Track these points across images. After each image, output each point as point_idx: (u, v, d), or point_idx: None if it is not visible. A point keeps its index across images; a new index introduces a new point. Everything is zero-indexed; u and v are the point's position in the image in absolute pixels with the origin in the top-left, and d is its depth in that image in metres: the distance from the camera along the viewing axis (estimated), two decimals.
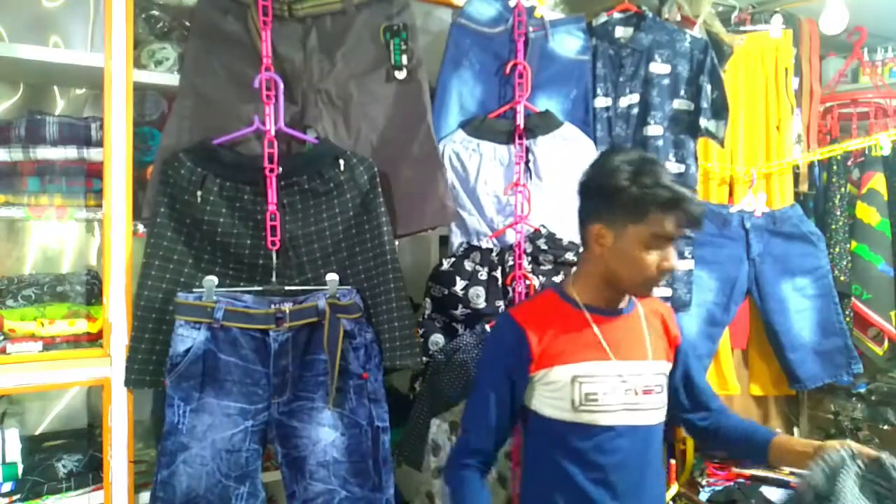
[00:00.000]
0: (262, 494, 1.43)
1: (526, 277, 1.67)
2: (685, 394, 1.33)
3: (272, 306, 1.42)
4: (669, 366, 1.29)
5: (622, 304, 1.27)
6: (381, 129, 1.60)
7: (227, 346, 1.40)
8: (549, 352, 1.21)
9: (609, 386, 1.20)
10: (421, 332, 1.63)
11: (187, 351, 1.37)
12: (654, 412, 1.24)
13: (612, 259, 1.19)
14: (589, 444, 1.19)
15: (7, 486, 1.42)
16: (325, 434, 1.43)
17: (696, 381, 1.34)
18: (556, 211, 1.72)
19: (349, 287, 1.48)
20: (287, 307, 1.42)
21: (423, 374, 1.65)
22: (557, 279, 1.67)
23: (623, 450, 1.20)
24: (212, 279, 1.41)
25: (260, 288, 1.48)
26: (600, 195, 1.19)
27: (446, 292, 1.65)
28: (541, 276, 1.68)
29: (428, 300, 1.68)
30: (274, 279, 1.49)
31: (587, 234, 1.22)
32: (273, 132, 1.48)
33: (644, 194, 1.13)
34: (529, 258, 1.70)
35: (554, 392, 1.21)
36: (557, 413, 1.21)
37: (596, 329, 1.23)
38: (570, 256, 1.68)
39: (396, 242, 1.99)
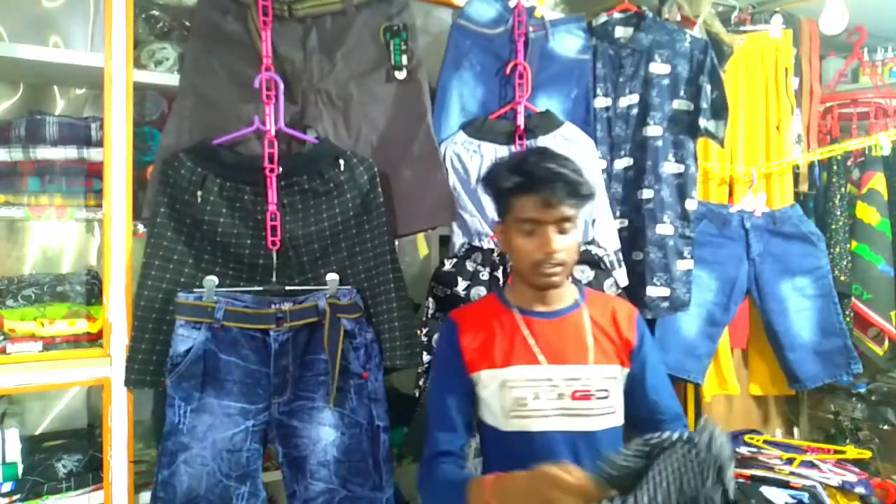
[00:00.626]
0: (262, 494, 1.43)
1: None
2: (634, 403, 1.25)
3: (272, 306, 1.42)
4: (622, 370, 1.24)
5: (560, 305, 1.24)
6: (381, 130, 1.60)
7: (228, 346, 1.40)
8: (481, 355, 1.20)
9: (539, 391, 1.17)
10: (425, 331, 1.63)
11: (188, 351, 1.37)
12: (596, 418, 1.19)
13: (508, 254, 1.23)
14: (526, 452, 1.14)
15: (7, 486, 1.42)
16: (326, 434, 1.43)
17: (647, 394, 1.25)
18: None
19: (349, 287, 1.48)
20: (287, 307, 1.42)
21: (427, 371, 1.65)
22: None
23: (562, 457, 1.14)
24: (212, 279, 1.41)
25: (260, 288, 1.47)
26: (490, 196, 1.24)
27: (448, 292, 1.65)
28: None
29: (431, 300, 1.68)
30: (274, 279, 1.49)
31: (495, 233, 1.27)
32: (273, 132, 1.48)
33: (501, 186, 1.17)
34: None
35: (487, 397, 1.20)
36: (493, 420, 1.20)
37: (527, 332, 1.21)
38: None
39: (396, 242, 1.99)
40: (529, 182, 1.14)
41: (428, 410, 1.25)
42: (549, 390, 1.18)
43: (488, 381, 1.19)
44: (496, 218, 1.24)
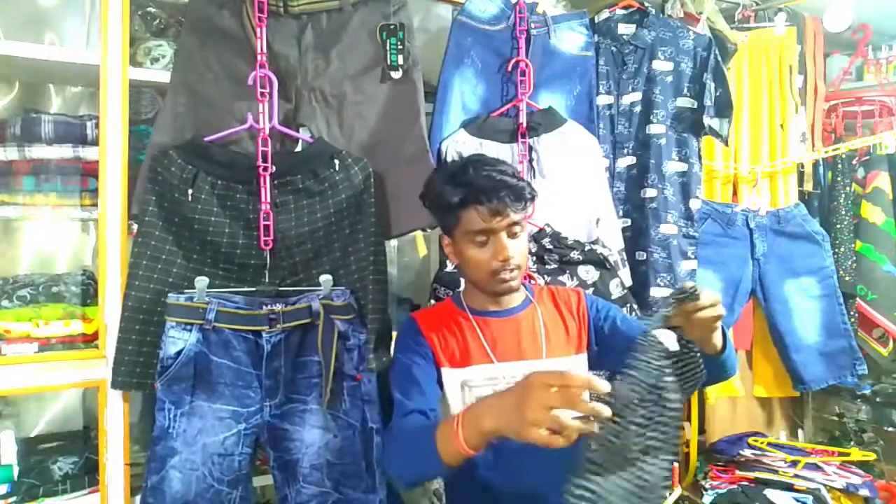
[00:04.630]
0: (253, 499, 1.42)
1: (531, 277, 1.65)
2: (626, 345, 1.28)
3: (264, 307, 1.40)
4: (580, 357, 1.27)
5: (512, 304, 1.27)
6: (375, 129, 1.57)
7: (219, 347, 1.37)
8: (445, 355, 1.22)
9: (496, 390, 1.15)
10: None
11: (179, 353, 1.34)
12: None
13: (462, 266, 1.23)
14: (489, 449, 1.09)
15: (3, 489, 1.40)
16: (318, 436, 1.41)
17: (629, 330, 1.26)
18: (561, 209, 1.70)
19: (343, 288, 1.45)
20: (280, 308, 1.40)
21: None
22: (562, 279, 1.65)
23: (525, 451, 1.15)
24: (203, 280, 1.39)
25: (252, 289, 1.45)
26: (432, 212, 1.24)
27: (451, 294, 1.63)
28: (546, 276, 1.66)
29: (433, 302, 1.66)
30: (266, 279, 1.47)
31: (443, 247, 1.26)
32: (267, 130, 1.46)
33: (445, 200, 1.16)
34: (534, 258, 1.67)
35: (449, 398, 1.20)
36: None
37: (479, 333, 1.23)
38: (575, 255, 1.66)
39: (395, 242, 1.96)
40: (475, 193, 1.14)
41: (393, 385, 1.22)
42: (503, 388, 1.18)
43: (450, 380, 1.21)
44: (444, 233, 1.24)
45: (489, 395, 0.99)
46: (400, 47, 1.56)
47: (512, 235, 1.18)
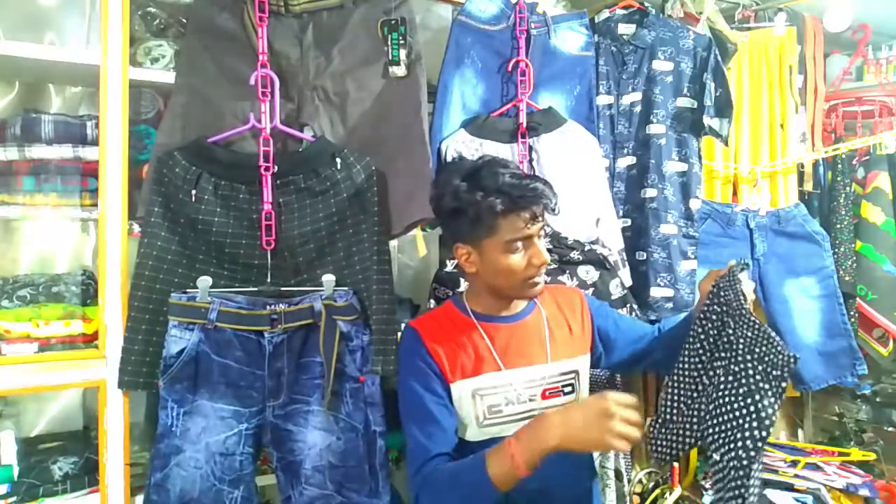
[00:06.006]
0: (256, 499, 1.41)
1: None
2: (627, 346, 1.32)
3: (267, 307, 1.40)
4: (584, 359, 1.28)
5: (518, 309, 1.26)
6: (378, 126, 1.56)
7: (221, 347, 1.38)
8: (454, 366, 1.19)
9: (509, 396, 1.18)
10: None
11: (181, 352, 1.35)
12: None
13: (485, 273, 1.19)
14: None
15: (3, 489, 1.40)
16: (321, 438, 1.41)
17: (626, 328, 1.34)
18: (561, 209, 1.69)
19: (346, 288, 1.45)
20: (282, 308, 1.40)
21: None
22: (562, 279, 1.65)
23: None
24: (206, 279, 1.39)
25: (255, 289, 1.45)
26: (449, 219, 1.20)
27: (450, 294, 1.63)
28: (546, 276, 1.65)
29: (433, 302, 1.66)
30: (269, 280, 1.47)
31: (455, 256, 1.22)
32: (269, 130, 1.46)
33: (482, 210, 1.12)
34: None
35: (461, 410, 1.18)
36: (463, 432, 1.18)
37: (487, 339, 1.21)
38: (575, 255, 1.66)
39: (395, 242, 1.95)
40: (516, 200, 1.12)
41: (407, 420, 1.19)
42: (519, 394, 1.19)
43: (461, 392, 1.19)
44: (458, 241, 1.19)
45: (541, 417, 1.02)
46: (402, 42, 1.54)
47: (539, 238, 1.17)
